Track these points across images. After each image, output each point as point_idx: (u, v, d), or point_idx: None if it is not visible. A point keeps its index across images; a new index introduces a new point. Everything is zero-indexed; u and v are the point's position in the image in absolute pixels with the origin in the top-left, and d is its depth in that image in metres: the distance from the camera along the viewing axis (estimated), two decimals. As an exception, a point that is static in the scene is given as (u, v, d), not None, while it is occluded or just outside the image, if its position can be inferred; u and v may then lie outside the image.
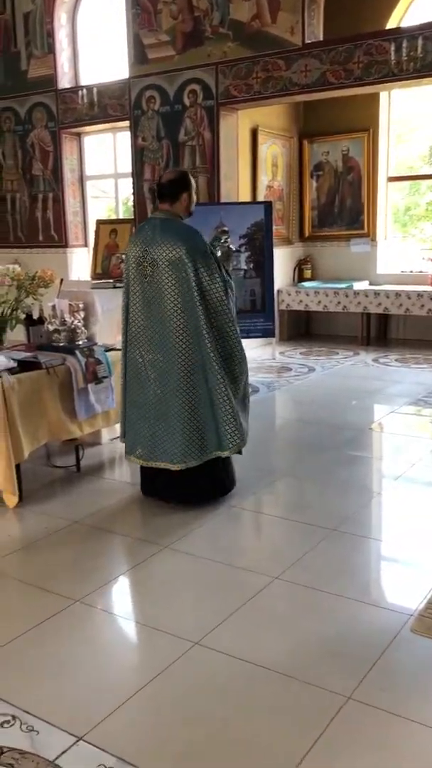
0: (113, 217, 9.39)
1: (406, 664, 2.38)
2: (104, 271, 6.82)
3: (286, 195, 8.77)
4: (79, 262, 9.08)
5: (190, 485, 3.68)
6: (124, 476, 4.29)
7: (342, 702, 2.17)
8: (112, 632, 2.71)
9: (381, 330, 8.78)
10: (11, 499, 3.78)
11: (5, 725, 2.11)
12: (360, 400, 6.01)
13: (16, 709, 2.18)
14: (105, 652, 2.56)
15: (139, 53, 7.91)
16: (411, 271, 8.56)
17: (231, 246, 3.84)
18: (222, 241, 3.80)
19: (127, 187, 8.74)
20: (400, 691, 2.23)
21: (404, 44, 6.45)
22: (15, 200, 9.34)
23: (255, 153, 8.10)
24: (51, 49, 8.62)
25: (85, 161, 9.13)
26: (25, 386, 3.83)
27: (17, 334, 4.51)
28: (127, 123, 8.20)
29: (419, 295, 7.85)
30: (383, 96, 8.26)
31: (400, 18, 7.73)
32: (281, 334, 8.68)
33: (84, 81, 8.74)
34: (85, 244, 9.16)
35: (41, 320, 4.38)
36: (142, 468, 3.81)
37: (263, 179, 8.29)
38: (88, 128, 8.77)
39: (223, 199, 7.60)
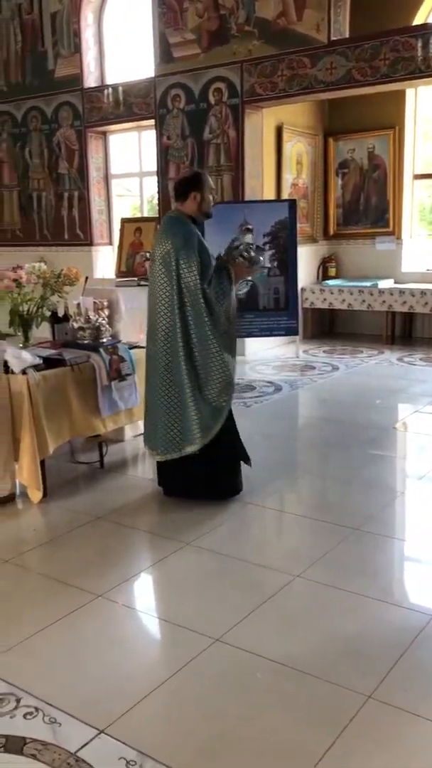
0: (138, 215, 9.43)
1: (427, 664, 2.37)
2: (128, 269, 6.85)
3: (310, 193, 8.74)
4: (104, 260, 9.13)
5: (190, 479, 3.75)
6: (147, 473, 4.31)
7: (362, 701, 2.17)
8: (133, 627, 2.73)
9: (406, 329, 8.71)
10: (36, 495, 3.83)
11: (28, 716, 2.14)
12: (384, 399, 5.97)
13: (39, 701, 2.21)
14: (126, 646, 2.59)
15: (164, 52, 7.93)
16: (437, 270, 8.49)
17: (251, 252, 3.69)
18: (241, 246, 3.70)
19: (151, 185, 8.77)
20: (421, 691, 2.22)
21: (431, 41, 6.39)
22: (41, 199, 9.43)
23: (280, 151, 8.08)
24: (77, 49, 8.68)
25: (110, 160, 9.18)
26: (50, 383, 3.87)
27: (43, 331, 4.56)
28: (152, 121, 8.23)
29: (445, 293, 7.78)
30: (410, 93, 8.19)
31: (428, 14, 7.66)
32: (305, 332, 8.65)
33: (110, 80, 8.79)
34: (110, 243, 9.22)
35: (66, 318, 4.42)
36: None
37: (288, 177, 8.27)
38: (113, 127, 8.82)
39: (247, 197, 7.59)
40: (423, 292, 7.91)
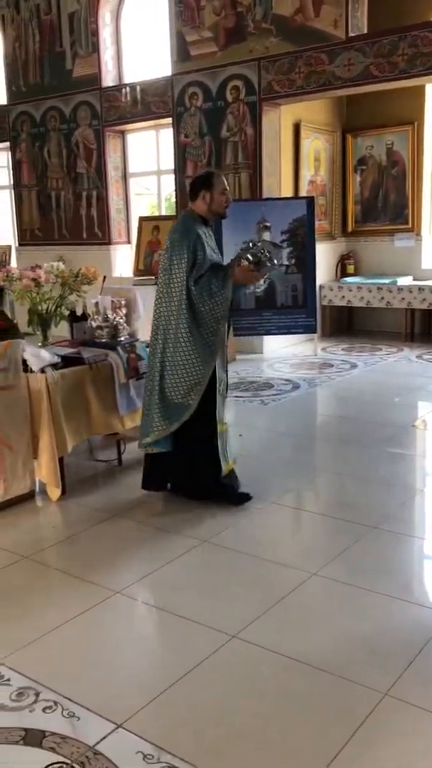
0: (156, 213, 9.46)
1: (444, 663, 2.36)
2: (146, 268, 6.89)
3: (328, 190, 8.71)
4: (123, 259, 9.18)
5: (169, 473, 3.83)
6: (165, 471, 4.33)
7: (378, 698, 2.17)
8: (150, 623, 2.76)
9: (425, 326, 8.65)
10: (55, 492, 3.87)
11: (47, 710, 2.17)
12: (403, 396, 5.95)
13: (57, 695, 2.24)
14: (144, 642, 2.62)
15: (181, 50, 7.94)
16: (456, 266, 8.42)
17: (261, 254, 3.54)
18: (252, 248, 3.57)
19: (169, 183, 8.80)
20: (438, 690, 2.22)
21: (450, 35, 6.35)
22: (60, 198, 9.49)
23: (297, 148, 8.06)
24: (95, 48, 8.72)
25: (128, 158, 9.22)
26: (69, 381, 3.91)
27: (61, 330, 4.60)
28: (169, 120, 8.25)
29: (465, 290, 7.72)
30: (429, 88, 8.13)
31: (447, 8, 7.60)
32: (323, 329, 8.62)
33: (127, 79, 8.82)
34: (128, 241, 9.25)
35: (84, 317, 4.46)
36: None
37: (306, 174, 8.25)
38: (131, 126, 8.86)
39: (265, 195, 7.59)
40: (442, 289, 7.86)
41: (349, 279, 8.68)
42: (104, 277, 4.69)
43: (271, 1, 7.20)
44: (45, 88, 9.31)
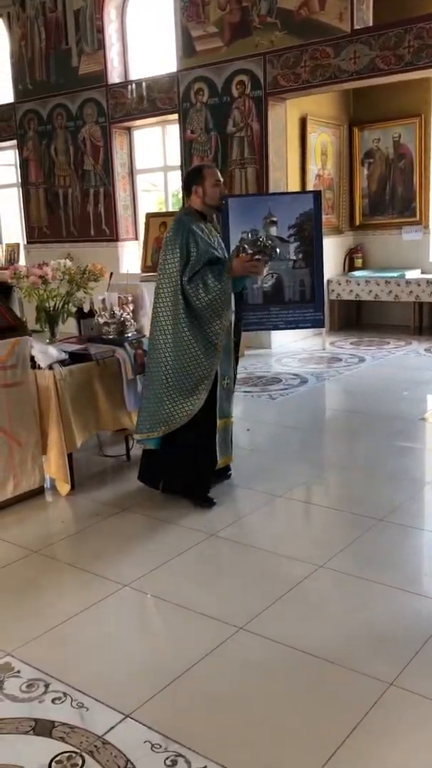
0: (163, 210, 9.47)
1: (450, 653, 2.38)
2: (154, 264, 6.90)
3: (335, 184, 8.69)
4: (130, 255, 9.20)
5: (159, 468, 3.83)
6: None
7: (383, 688, 2.19)
8: (158, 616, 2.78)
9: (434, 319, 8.64)
10: (64, 487, 3.90)
11: (56, 701, 2.20)
12: (411, 390, 5.94)
13: (66, 686, 2.27)
14: (152, 634, 2.64)
15: (187, 46, 7.94)
16: (465, 259, 8.39)
17: (259, 243, 3.51)
18: (249, 236, 3.57)
19: (176, 179, 8.80)
20: (443, 680, 2.23)
21: (456, 26, 6.32)
22: (67, 195, 9.51)
23: (304, 142, 8.05)
24: (101, 45, 8.73)
25: (134, 155, 9.23)
26: (77, 378, 3.93)
27: (68, 326, 4.63)
28: (175, 116, 8.26)
29: (473, 283, 7.69)
30: (435, 80, 8.10)
31: (453, -1, 7.55)
32: (331, 324, 8.62)
33: (133, 75, 8.83)
34: (136, 238, 9.27)
35: (92, 313, 4.48)
36: None
37: (312, 168, 8.23)
38: (137, 122, 8.87)
39: (272, 190, 7.58)
40: (450, 282, 7.84)
41: (356, 273, 8.66)
42: (111, 274, 4.72)
43: (276, -5, 7.19)
44: (51, 86, 9.33)
